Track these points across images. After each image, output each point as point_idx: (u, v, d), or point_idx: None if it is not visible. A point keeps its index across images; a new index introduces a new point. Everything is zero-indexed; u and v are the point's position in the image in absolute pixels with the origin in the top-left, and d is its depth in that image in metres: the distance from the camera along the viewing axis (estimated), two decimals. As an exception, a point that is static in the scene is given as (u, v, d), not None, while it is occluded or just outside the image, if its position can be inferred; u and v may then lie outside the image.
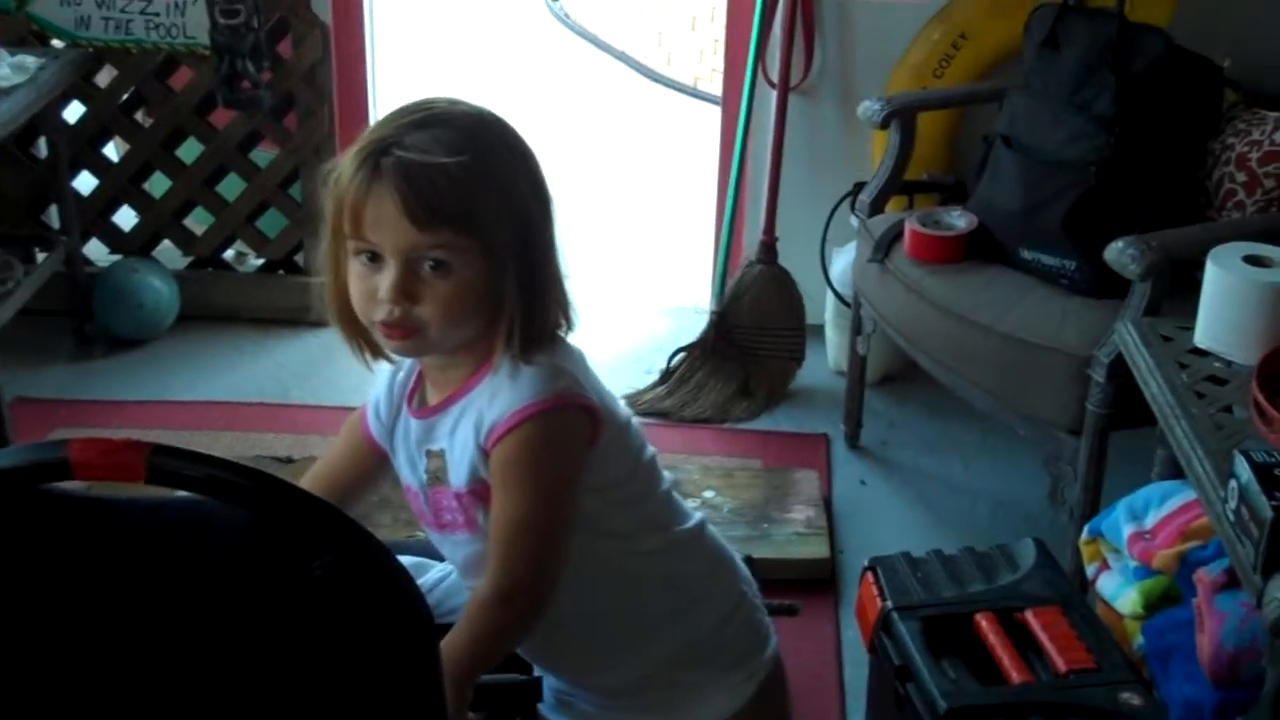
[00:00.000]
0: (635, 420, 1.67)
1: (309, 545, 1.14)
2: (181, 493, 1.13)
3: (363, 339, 1.59)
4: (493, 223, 1.48)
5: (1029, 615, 1.82)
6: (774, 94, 3.33)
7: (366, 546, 1.15)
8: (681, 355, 3.39)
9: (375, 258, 1.49)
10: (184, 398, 3.30)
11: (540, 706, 1.69)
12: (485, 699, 1.55)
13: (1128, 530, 2.06)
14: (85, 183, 3.60)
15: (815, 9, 3.33)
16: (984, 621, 1.81)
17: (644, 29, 6.24)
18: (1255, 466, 1.60)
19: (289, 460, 2.93)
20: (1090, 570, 2.17)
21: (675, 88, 5.92)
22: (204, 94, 3.47)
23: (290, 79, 3.44)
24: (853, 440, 3.16)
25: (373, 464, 1.71)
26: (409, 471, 1.64)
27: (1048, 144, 2.63)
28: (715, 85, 4.47)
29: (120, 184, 3.59)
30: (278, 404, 3.27)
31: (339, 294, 1.56)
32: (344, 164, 1.49)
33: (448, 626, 1.53)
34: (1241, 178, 2.50)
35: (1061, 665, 1.73)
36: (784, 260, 3.38)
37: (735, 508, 2.86)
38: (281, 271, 3.66)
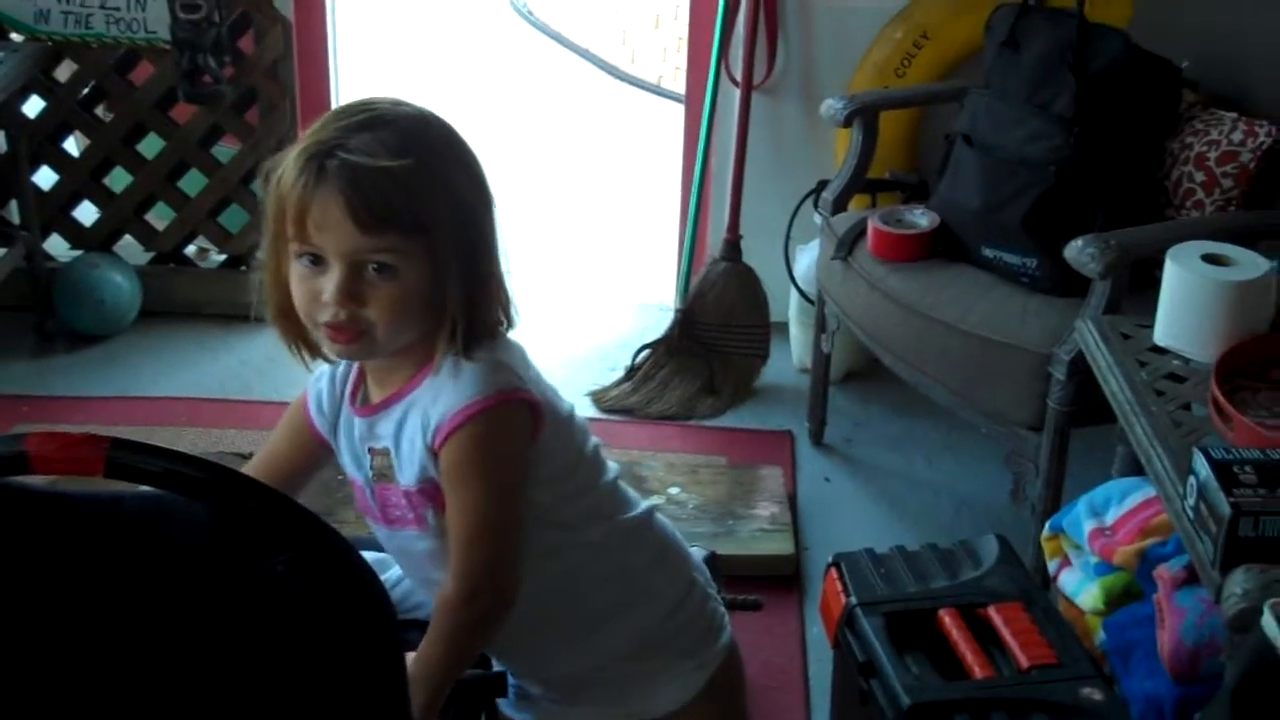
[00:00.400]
0: (577, 413, 1.68)
1: (271, 541, 1.14)
2: (143, 488, 1.12)
3: (301, 339, 1.59)
4: (437, 225, 1.48)
5: (991, 611, 1.83)
6: (737, 92, 3.34)
7: (329, 543, 1.15)
8: (646, 352, 3.40)
9: (318, 260, 1.49)
10: (146, 393, 3.28)
11: (500, 703, 1.70)
12: (450, 695, 1.55)
13: (1089, 526, 2.08)
14: (45, 178, 3.56)
15: (778, 8, 3.34)
16: (947, 617, 1.82)
17: (608, 27, 6.24)
18: (1214, 464, 1.61)
19: (251, 456, 2.91)
20: (1052, 566, 2.18)
21: (639, 85, 5.92)
22: (165, 89, 3.44)
23: (252, 74, 3.42)
24: (817, 437, 3.17)
25: (316, 453, 1.71)
26: (354, 468, 1.65)
27: (1008, 143, 2.64)
28: (679, 83, 4.47)
29: (81, 179, 3.56)
30: (240, 400, 3.26)
31: (279, 294, 1.55)
32: (286, 165, 1.48)
33: (410, 623, 1.52)
34: (1200, 177, 2.53)
35: (1024, 661, 1.74)
36: (748, 258, 3.38)
37: (700, 504, 2.86)
38: (243, 267, 3.63)
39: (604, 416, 3.24)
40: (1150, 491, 2.01)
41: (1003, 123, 2.67)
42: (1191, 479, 1.65)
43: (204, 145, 3.53)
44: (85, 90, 3.50)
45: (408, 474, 1.57)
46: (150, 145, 3.54)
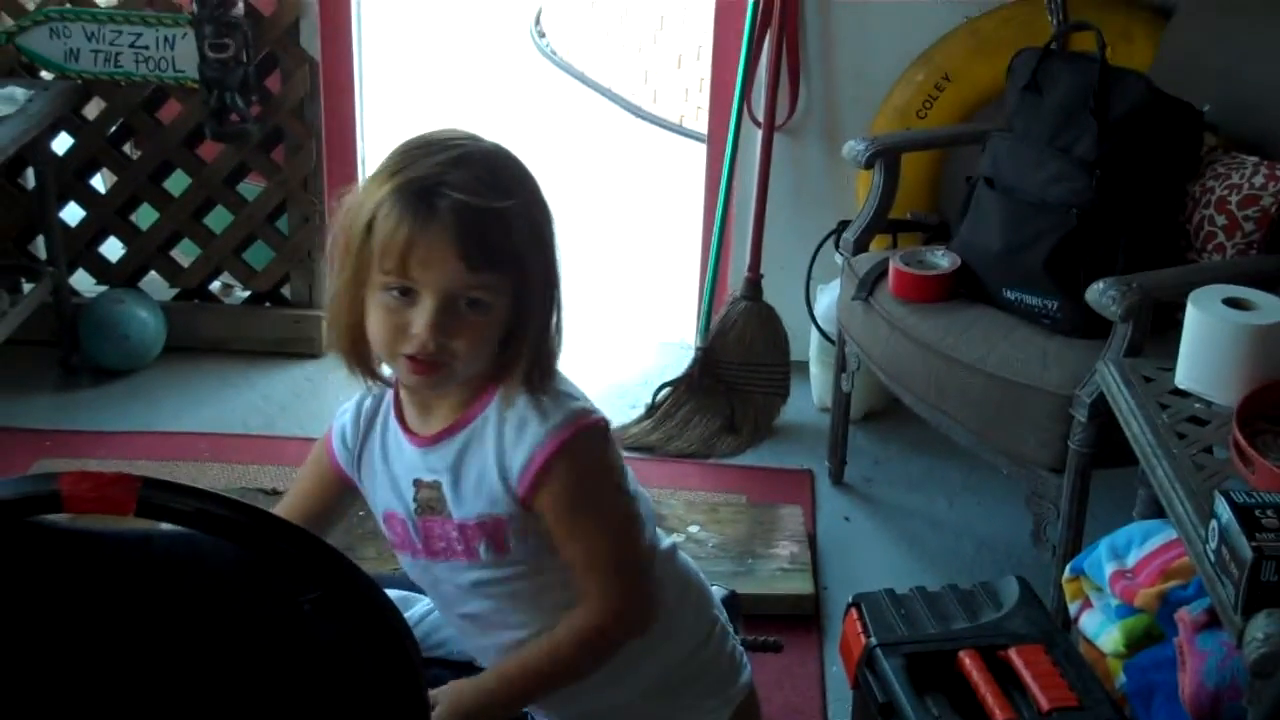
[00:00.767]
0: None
1: (298, 580, 1.15)
2: (167, 525, 1.13)
3: (367, 370, 1.59)
4: (530, 263, 1.51)
5: (1012, 653, 1.83)
6: (759, 133, 3.36)
7: (355, 581, 1.16)
8: (667, 390, 3.40)
9: (407, 292, 1.49)
10: (170, 429, 3.30)
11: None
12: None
13: (1110, 569, 2.07)
14: (73, 214, 3.60)
15: (800, 49, 3.37)
16: (967, 659, 1.82)
17: (630, 66, 6.27)
18: (1236, 507, 1.61)
19: (274, 492, 2.93)
20: (1073, 608, 2.18)
21: (661, 125, 5.95)
22: (192, 127, 3.48)
23: (278, 113, 3.46)
24: (837, 476, 3.17)
25: (341, 494, 1.71)
26: (393, 497, 1.62)
27: (1030, 186, 2.65)
28: (701, 123, 4.49)
29: (107, 215, 3.60)
30: (263, 435, 3.27)
31: (352, 326, 1.54)
32: (378, 201, 1.47)
33: (434, 660, 1.53)
34: (1221, 220, 2.53)
35: (1044, 703, 1.74)
36: (769, 297, 3.39)
37: (720, 543, 2.86)
38: (268, 304, 3.67)
39: (624, 454, 3.23)
40: (1172, 534, 2.01)
41: (1024, 165, 2.68)
42: (1213, 522, 1.65)
43: (230, 183, 3.56)
44: (113, 128, 3.54)
45: (468, 508, 1.56)
46: (177, 182, 3.58)
